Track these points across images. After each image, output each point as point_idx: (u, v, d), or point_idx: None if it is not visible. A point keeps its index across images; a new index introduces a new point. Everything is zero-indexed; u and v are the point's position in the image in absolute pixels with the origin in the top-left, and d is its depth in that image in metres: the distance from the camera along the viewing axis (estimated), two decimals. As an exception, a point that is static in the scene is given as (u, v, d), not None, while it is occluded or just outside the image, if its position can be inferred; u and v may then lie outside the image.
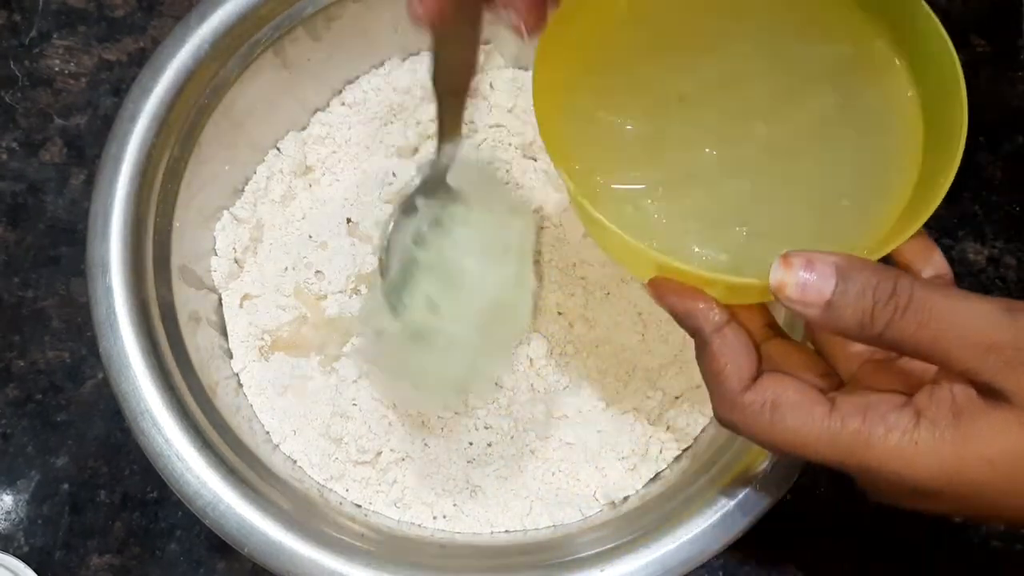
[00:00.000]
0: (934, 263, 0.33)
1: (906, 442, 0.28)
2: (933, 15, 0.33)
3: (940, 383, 0.29)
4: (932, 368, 0.30)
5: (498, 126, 0.53)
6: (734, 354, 0.31)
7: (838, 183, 0.34)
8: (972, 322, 0.28)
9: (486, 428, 0.47)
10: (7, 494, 0.50)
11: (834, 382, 0.33)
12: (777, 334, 0.34)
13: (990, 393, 0.28)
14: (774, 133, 0.35)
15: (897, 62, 0.35)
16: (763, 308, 0.34)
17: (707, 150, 0.35)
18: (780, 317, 0.38)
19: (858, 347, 0.33)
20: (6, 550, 0.49)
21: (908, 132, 0.34)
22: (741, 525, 0.38)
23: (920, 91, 0.35)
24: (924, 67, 0.34)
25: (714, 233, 0.34)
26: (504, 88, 0.53)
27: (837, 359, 0.34)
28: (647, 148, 0.35)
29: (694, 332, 0.32)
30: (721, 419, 0.32)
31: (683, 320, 0.32)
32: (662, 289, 0.33)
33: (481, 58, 0.52)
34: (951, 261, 0.54)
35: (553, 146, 0.33)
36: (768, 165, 0.35)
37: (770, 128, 0.35)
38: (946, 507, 0.30)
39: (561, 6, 0.35)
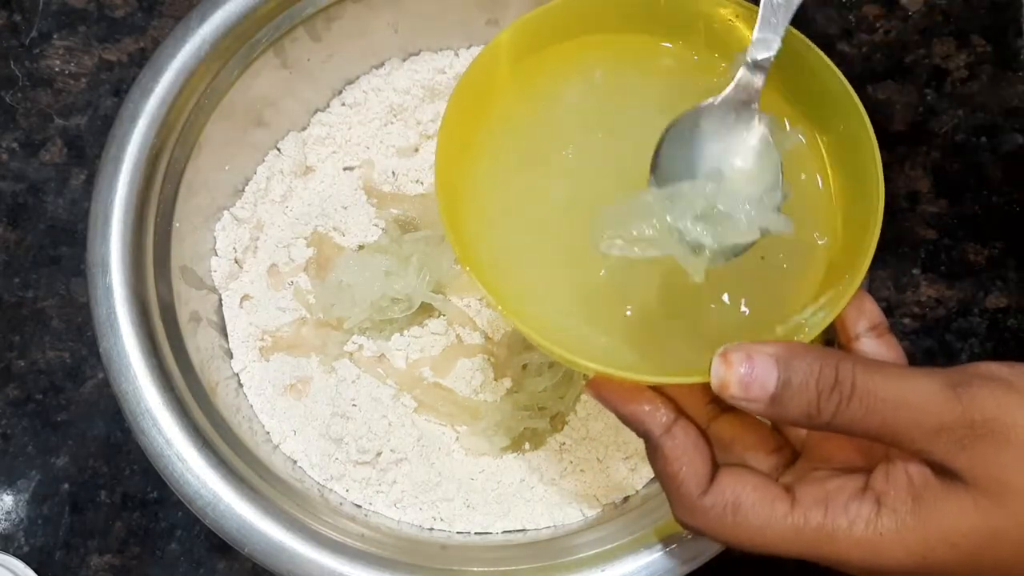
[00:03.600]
0: (867, 314, 0.32)
1: (870, 533, 0.28)
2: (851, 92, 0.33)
3: (895, 462, 0.29)
4: None
5: (498, 126, 0.53)
6: (688, 456, 0.30)
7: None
8: (919, 403, 0.27)
9: (487, 428, 0.47)
10: (7, 494, 0.50)
11: (787, 455, 0.33)
12: (723, 409, 0.33)
13: (944, 473, 0.28)
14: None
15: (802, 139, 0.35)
16: (704, 385, 0.31)
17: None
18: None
19: None
20: (6, 550, 0.49)
21: (825, 207, 0.34)
22: (741, 525, 0.38)
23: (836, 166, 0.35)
24: (841, 146, 0.34)
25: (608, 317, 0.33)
26: (504, 88, 0.53)
27: (785, 426, 0.34)
28: (539, 234, 0.34)
29: (642, 435, 0.31)
30: (681, 522, 0.31)
31: (629, 422, 0.31)
32: (603, 391, 0.31)
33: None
34: (951, 261, 0.55)
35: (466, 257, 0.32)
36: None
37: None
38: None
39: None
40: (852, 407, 0.28)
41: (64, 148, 0.56)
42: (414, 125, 0.52)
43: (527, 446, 0.48)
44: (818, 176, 0.35)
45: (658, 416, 0.31)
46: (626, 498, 0.45)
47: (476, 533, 0.45)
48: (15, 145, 0.56)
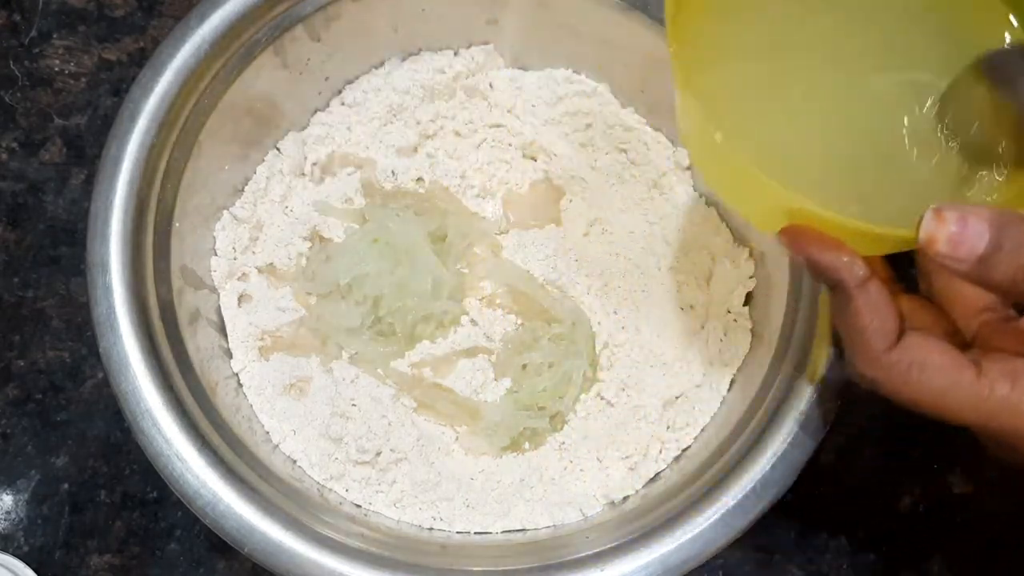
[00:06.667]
0: None
1: None
2: None
3: None
4: None
5: (498, 126, 0.53)
6: (879, 311, 0.31)
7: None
8: None
9: (487, 428, 0.47)
10: (7, 494, 0.50)
11: (959, 341, 0.33)
12: (901, 290, 0.34)
13: None
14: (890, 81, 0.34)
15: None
16: (885, 262, 0.33)
17: (824, 92, 0.35)
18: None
19: (978, 304, 0.33)
20: (6, 550, 0.49)
21: None
22: (741, 525, 0.38)
23: None
24: None
25: (831, 179, 0.33)
26: (504, 88, 0.53)
27: (956, 316, 0.34)
28: (767, 87, 0.35)
29: (834, 285, 0.31)
30: (862, 375, 0.32)
31: (823, 272, 0.31)
32: (801, 239, 0.31)
33: (481, 58, 0.52)
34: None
35: (684, 77, 0.32)
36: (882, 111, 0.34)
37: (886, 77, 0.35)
38: None
39: None
40: None
41: (64, 148, 0.56)
42: (414, 125, 0.52)
43: (527, 446, 0.48)
44: None
45: (855, 268, 0.31)
46: (626, 498, 0.45)
47: (476, 533, 0.45)
48: (15, 145, 0.56)
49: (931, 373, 0.30)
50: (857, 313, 0.31)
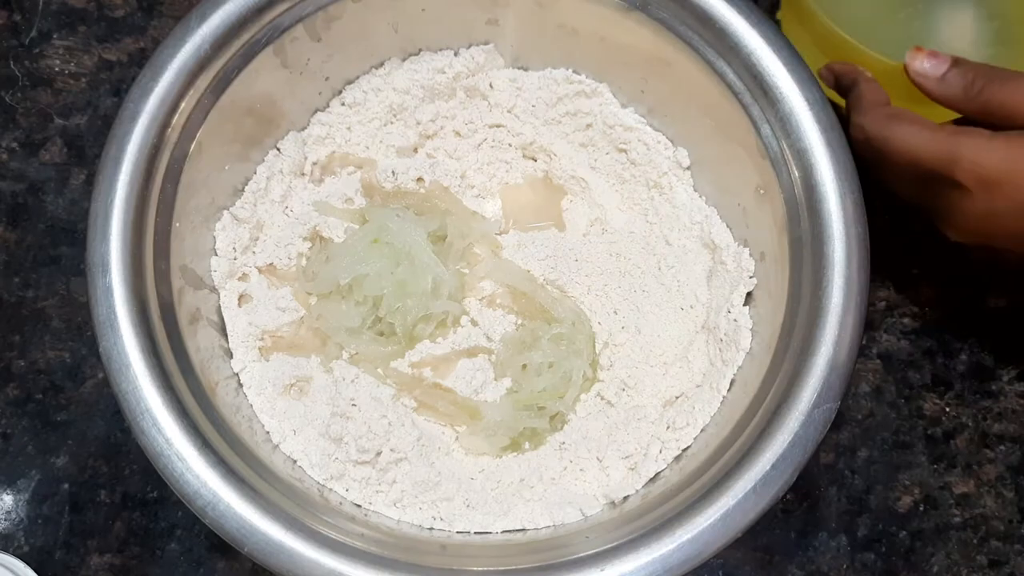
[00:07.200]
0: None
1: (985, 138, 0.42)
2: None
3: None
4: None
5: (498, 126, 0.53)
6: (875, 90, 0.47)
7: None
8: None
9: (487, 428, 0.47)
10: (7, 494, 0.50)
11: None
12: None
13: None
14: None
15: None
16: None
17: None
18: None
19: None
20: (6, 550, 0.49)
21: None
22: (741, 525, 0.38)
23: None
24: None
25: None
26: (504, 88, 0.53)
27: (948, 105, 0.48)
28: None
29: (850, 81, 0.48)
30: (853, 125, 0.46)
31: (842, 75, 0.49)
32: (834, 65, 0.50)
33: (481, 58, 0.52)
34: (950, 260, 0.55)
35: None
36: None
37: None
38: (1007, 200, 0.42)
39: None
40: (994, 84, 0.43)
41: (64, 148, 0.56)
42: (414, 125, 0.52)
43: (527, 446, 0.48)
44: None
45: (865, 72, 0.49)
46: (626, 498, 0.45)
47: (476, 533, 0.45)
48: (15, 145, 0.56)
49: (902, 119, 0.44)
50: (860, 91, 0.47)
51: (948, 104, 0.45)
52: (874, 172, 0.46)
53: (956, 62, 0.45)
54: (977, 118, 0.45)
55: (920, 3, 0.54)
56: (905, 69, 0.46)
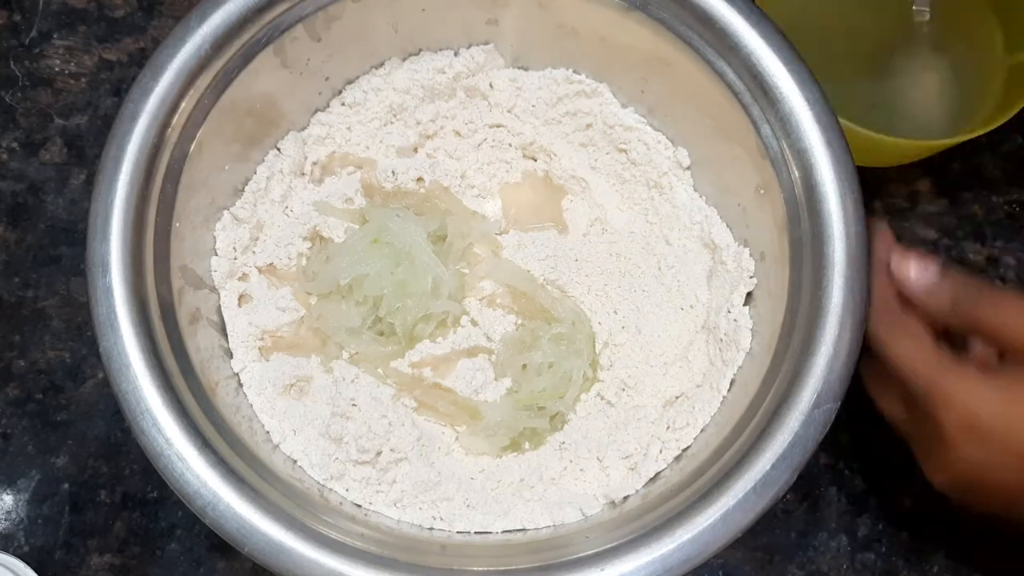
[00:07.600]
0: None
1: (979, 382, 0.40)
2: None
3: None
4: None
5: (498, 126, 0.53)
6: (884, 283, 0.43)
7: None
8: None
9: (487, 428, 0.47)
10: (7, 494, 0.50)
11: None
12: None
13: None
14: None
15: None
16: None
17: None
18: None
19: None
20: (6, 550, 0.49)
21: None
22: (741, 525, 0.38)
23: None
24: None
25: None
26: (504, 88, 0.53)
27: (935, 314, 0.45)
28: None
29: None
30: (872, 333, 0.42)
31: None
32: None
33: (481, 58, 0.52)
34: (951, 261, 0.55)
35: None
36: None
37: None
38: (997, 454, 0.40)
39: None
40: (983, 304, 0.41)
41: (64, 148, 0.56)
42: (414, 125, 0.52)
43: (527, 446, 0.48)
44: None
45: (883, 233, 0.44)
46: (626, 498, 0.45)
47: (476, 533, 0.45)
48: (15, 145, 0.56)
49: (907, 333, 0.42)
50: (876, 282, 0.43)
51: (933, 314, 0.42)
52: (867, 378, 0.45)
53: (943, 273, 0.42)
54: (962, 332, 0.43)
55: (879, 68, 0.55)
56: (889, 270, 0.42)
